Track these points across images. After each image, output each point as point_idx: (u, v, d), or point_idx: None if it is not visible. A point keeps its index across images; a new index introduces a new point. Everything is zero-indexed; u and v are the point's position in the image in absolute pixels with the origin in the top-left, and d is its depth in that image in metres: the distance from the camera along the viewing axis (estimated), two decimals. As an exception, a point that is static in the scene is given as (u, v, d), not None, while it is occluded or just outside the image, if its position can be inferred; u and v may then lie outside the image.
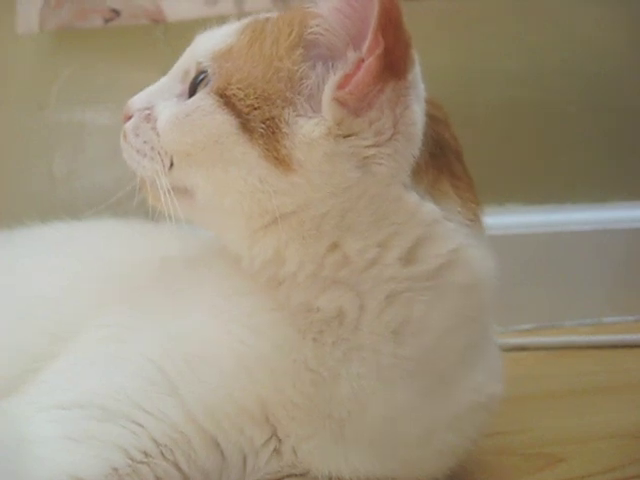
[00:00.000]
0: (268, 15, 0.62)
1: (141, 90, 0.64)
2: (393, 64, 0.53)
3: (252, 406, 0.58)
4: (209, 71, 0.59)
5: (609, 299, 1.16)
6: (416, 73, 0.56)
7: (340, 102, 0.54)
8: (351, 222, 0.56)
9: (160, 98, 0.63)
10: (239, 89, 0.57)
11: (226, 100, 0.57)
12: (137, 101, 0.64)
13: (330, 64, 0.55)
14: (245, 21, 0.62)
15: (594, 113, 1.19)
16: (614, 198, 1.21)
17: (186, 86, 0.62)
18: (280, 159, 0.54)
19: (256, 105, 0.56)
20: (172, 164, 0.60)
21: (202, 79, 0.60)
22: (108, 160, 1.09)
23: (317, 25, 0.55)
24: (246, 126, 0.56)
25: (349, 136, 0.54)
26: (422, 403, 0.59)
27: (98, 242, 0.77)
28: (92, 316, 0.65)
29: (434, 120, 0.59)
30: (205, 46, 0.61)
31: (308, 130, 0.54)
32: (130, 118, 0.63)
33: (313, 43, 0.56)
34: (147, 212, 0.64)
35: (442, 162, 0.59)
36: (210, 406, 0.57)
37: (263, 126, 0.55)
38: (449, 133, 0.62)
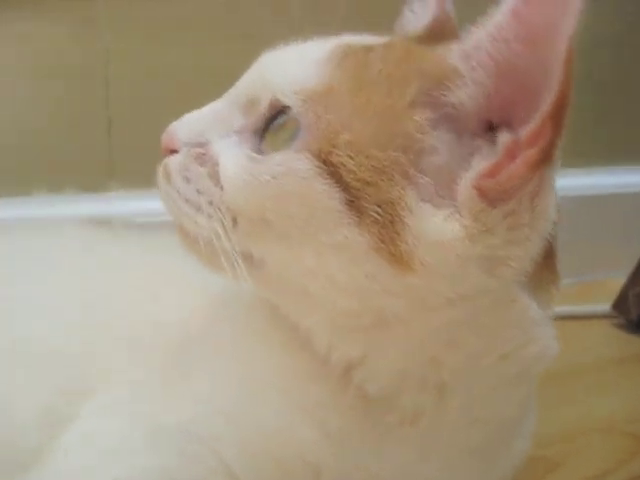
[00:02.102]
0: (365, 41, 0.49)
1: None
2: (550, 154, 0.43)
3: None
4: (300, 119, 0.46)
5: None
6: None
7: (481, 192, 0.43)
8: (459, 336, 0.48)
9: (215, 131, 0.49)
10: (349, 157, 0.44)
11: (331, 169, 0.44)
12: (184, 131, 0.50)
13: (464, 135, 0.44)
14: (335, 45, 0.48)
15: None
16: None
17: (250, 121, 0.49)
18: (397, 255, 0.43)
19: (370, 180, 0.43)
20: (235, 222, 0.47)
21: (284, 122, 0.47)
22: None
23: (458, 87, 0.44)
24: (355, 205, 0.44)
25: (483, 233, 0.43)
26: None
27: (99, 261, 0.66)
28: (114, 368, 0.57)
29: None
30: (284, 74, 0.47)
31: (438, 226, 0.43)
32: (173, 151, 0.50)
33: (443, 106, 0.44)
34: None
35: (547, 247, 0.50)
36: None
37: (379, 210, 0.43)
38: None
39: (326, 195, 0.44)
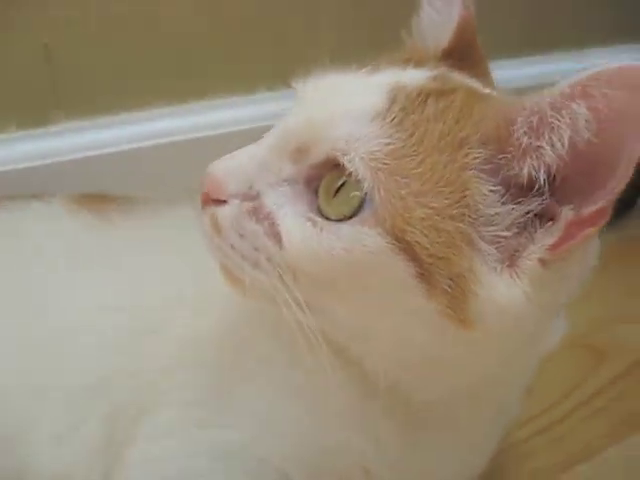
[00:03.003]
0: (415, 79, 0.49)
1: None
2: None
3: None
4: (370, 193, 0.45)
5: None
6: None
7: (542, 262, 0.45)
8: (500, 363, 0.52)
9: (263, 180, 0.48)
10: (423, 234, 0.44)
11: (404, 246, 0.44)
12: (231, 180, 0.48)
13: (515, 199, 0.46)
14: (389, 91, 0.47)
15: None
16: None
17: (300, 169, 0.48)
18: (462, 320, 0.46)
19: (442, 255, 0.44)
20: (295, 277, 0.48)
21: (343, 184, 0.46)
22: None
23: (521, 159, 0.44)
24: (425, 277, 0.45)
25: (539, 293, 0.46)
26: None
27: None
28: (160, 389, 0.58)
29: None
30: (341, 130, 0.46)
31: (503, 293, 0.45)
32: (219, 202, 0.49)
33: (503, 172, 0.45)
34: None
35: None
36: None
37: (451, 283, 0.44)
38: None
39: (398, 270, 0.45)
